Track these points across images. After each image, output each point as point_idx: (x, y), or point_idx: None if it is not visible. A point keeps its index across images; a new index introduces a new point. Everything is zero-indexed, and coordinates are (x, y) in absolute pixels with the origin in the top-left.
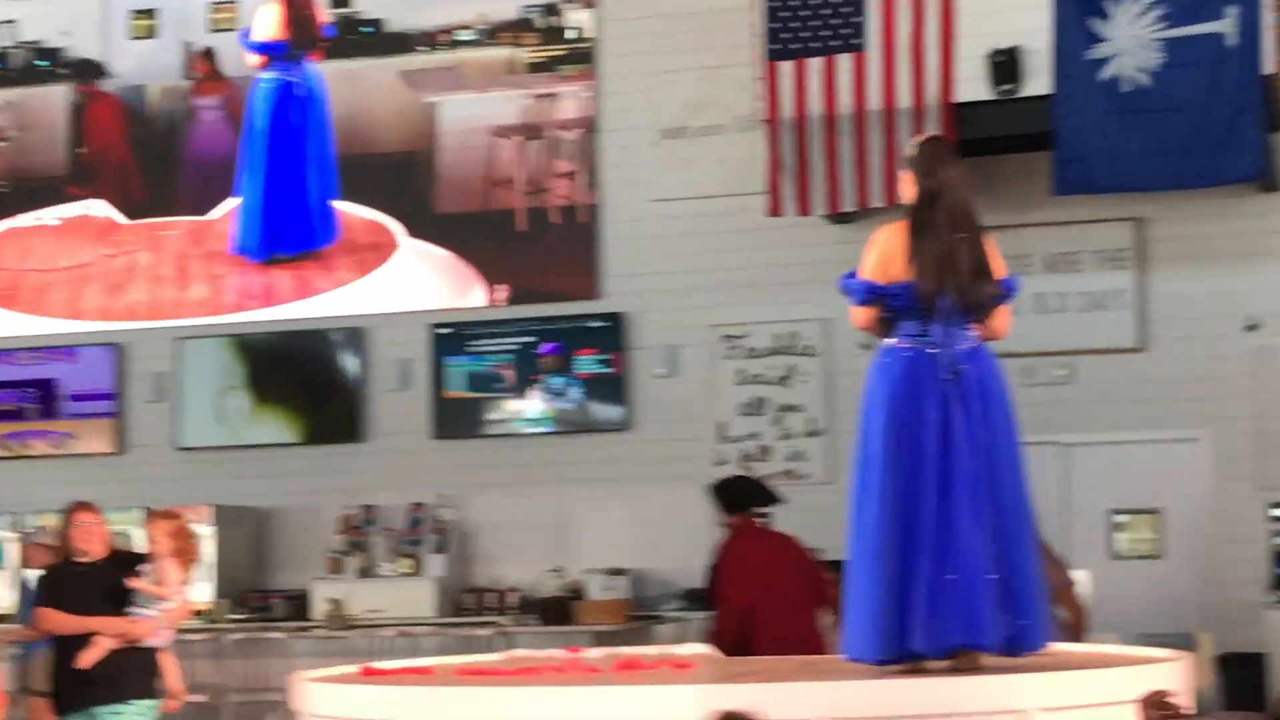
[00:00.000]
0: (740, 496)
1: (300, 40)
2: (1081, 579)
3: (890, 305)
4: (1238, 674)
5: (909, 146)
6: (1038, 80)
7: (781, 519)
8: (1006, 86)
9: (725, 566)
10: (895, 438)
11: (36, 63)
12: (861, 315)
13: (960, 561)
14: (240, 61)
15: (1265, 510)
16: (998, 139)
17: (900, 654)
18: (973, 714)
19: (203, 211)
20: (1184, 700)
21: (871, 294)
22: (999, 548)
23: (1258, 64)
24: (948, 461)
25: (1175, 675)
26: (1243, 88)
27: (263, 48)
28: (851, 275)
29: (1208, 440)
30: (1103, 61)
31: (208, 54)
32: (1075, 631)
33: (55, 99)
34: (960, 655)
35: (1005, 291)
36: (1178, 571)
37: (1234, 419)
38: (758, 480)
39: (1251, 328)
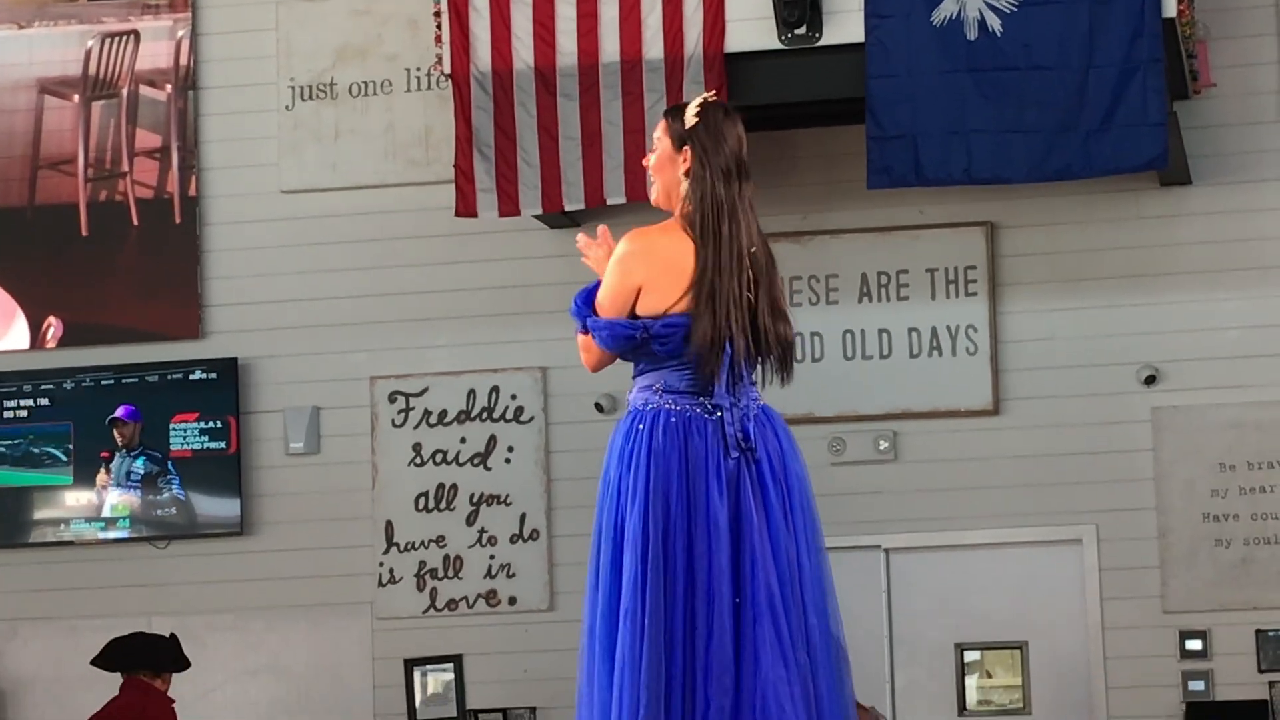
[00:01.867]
0: (128, 657)
1: None
2: None
3: (652, 350)
4: None
5: (683, 114)
6: (843, 22)
7: (479, 665)
8: (799, 31)
9: None
10: (662, 542)
11: None
12: (600, 357)
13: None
14: None
15: (1175, 642)
16: (787, 107)
17: None
18: None
19: None
20: None
21: (629, 337)
22: (810, 702)
23: (1156, 2)
24: (742, 577)
25: None
26: (1135, 36)
27: None
28: (589, 296)
29: (1091, 543)
30: None
31: None
32: None
33: None
34: None
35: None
36: None
37: (1128, 512)
38: (157, 640)
39: (1150, 380)
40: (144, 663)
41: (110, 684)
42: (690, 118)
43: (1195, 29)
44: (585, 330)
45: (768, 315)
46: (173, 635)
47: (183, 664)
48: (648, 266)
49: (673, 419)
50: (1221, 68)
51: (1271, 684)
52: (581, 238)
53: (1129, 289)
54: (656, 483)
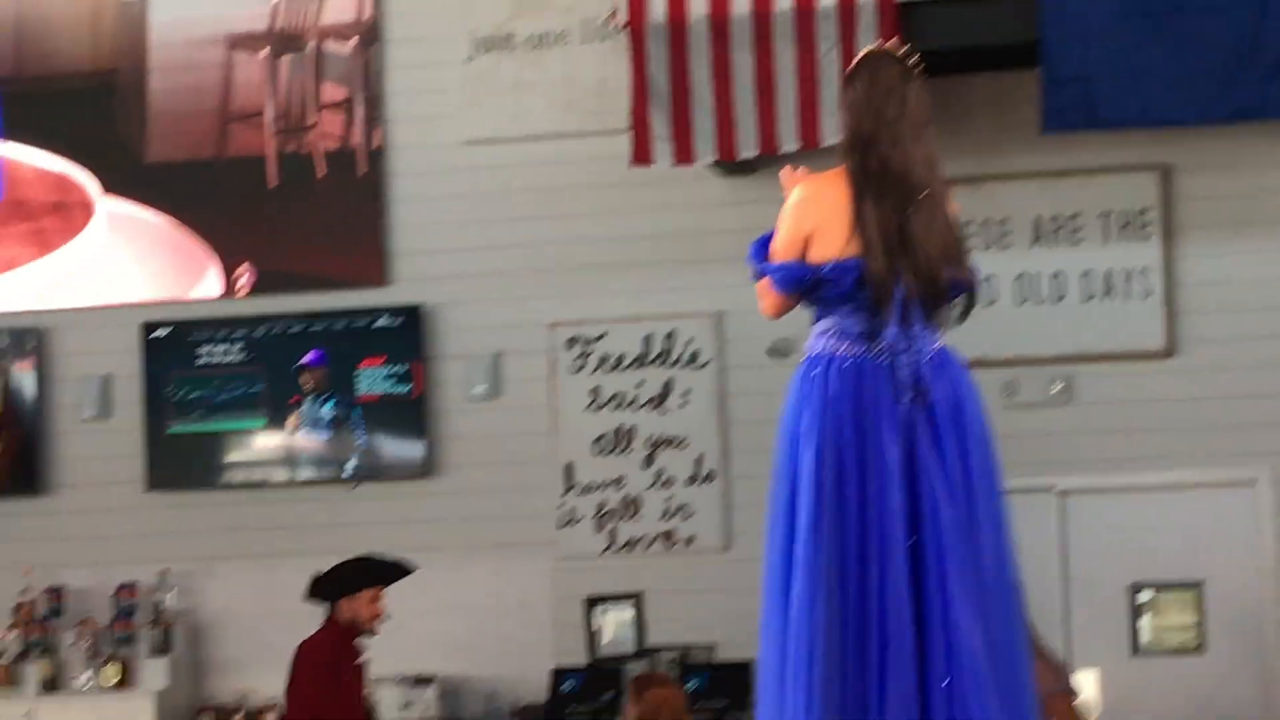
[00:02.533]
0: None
1: None
2: (1088, 683)
3: (824, 294)
4: None
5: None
6: None
7: (659, 604)
8: None
9: None
10: (837, 484)
11: None
12: (777, 302)
13: (957, 661)
14: None
15: None
16: (962, 52)
17: None
18: None
19: None
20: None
21: (800, 279)
22: (989, 644)
23: None
24: (920, 519)
25: None
26: None
27: None
28: (764, 243)
29: (1266, 483)
30: None
31: None
32: None
33: None
34: None
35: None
36: (1227, 670)
37: None
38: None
39: None
40: (325, 594)
41: (306, 619)
42: (852, 65)
43: None
44: (761, 276)
45: (941, 257)
46: (363, 558)
47: (363, 579)
48: (818, 213)
49: (846, 364)
50: None
51: None
52: (786, 170)
53: None
54: (829, 427)
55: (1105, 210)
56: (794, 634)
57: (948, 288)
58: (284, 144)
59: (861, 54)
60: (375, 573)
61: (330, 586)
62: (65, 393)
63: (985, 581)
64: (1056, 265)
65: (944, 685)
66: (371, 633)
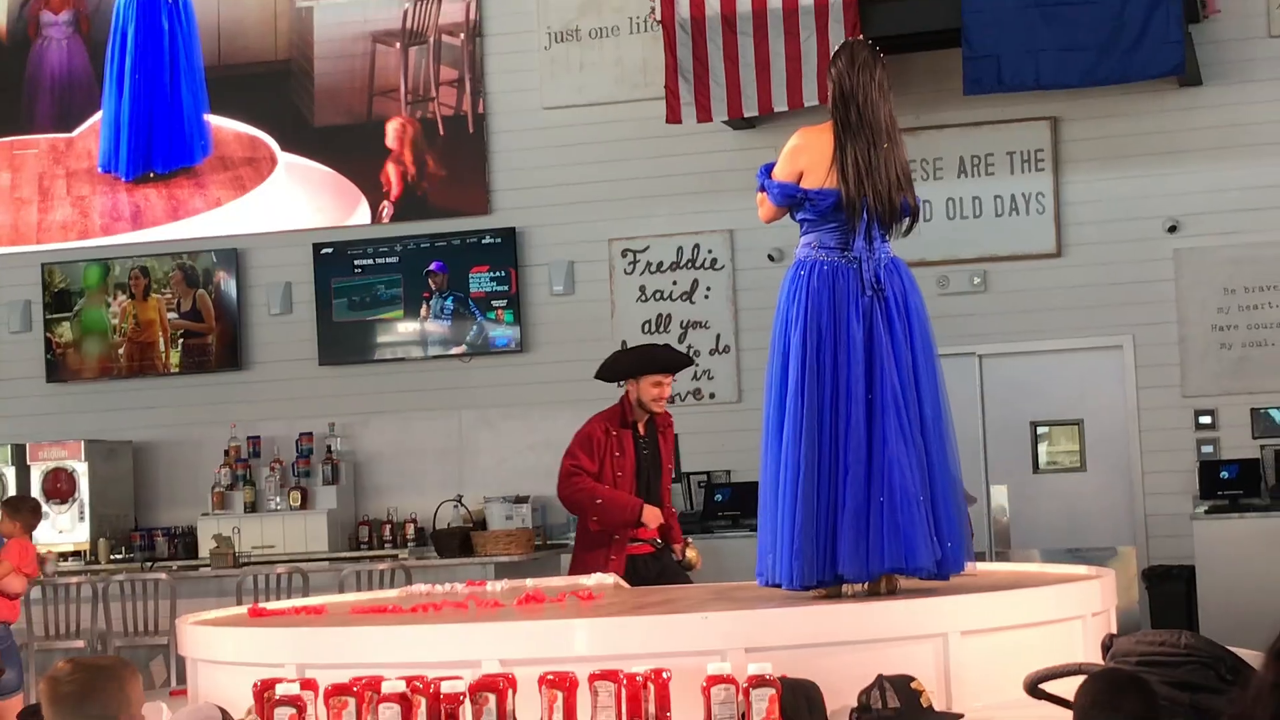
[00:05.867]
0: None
1: None
2: (1001, 495)
3: (810, 211)
4: (1165, 589)
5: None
6: None
7: (691, 441)
8: None
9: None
10: (816, 355)
11: None
12: (771, 211)
13: (890, 484)
14: None
15: (1191, 418)
16: (905, 37)
17: (821, 580)
18: (893, 639)
19: (63, 129)
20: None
21: (792, 198)
22: (923, 469)
23: None
24: (873, 381)
25: (1098, 592)
26: None
27: None
28: (769, 168)
29: (1129, 347)
30: None
31: None
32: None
33: None
34: (881, 579)
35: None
36: (1101, 484)
37: (1156, 324)
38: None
39: (1172, 229)
40: (609, 375)
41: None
42: (837, 49)
43: None
44: (762, 189)
45: (896, 185)
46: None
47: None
48: (808, 156)
49: (824, 267)
50: None
51: (1262, 447)
52: None
53: (1155, 162)
54: (812, 313)
55: (1010, 150)
56: (784, 463)
57: (900, 209)
58: (413, 111)
59: (843, 42)
60: (656, 360)
61: (615, 368)
62: (258, 296)
63: (925, 425)
64: (976, 191)
65: (880, 500)
66: (652, 413)
